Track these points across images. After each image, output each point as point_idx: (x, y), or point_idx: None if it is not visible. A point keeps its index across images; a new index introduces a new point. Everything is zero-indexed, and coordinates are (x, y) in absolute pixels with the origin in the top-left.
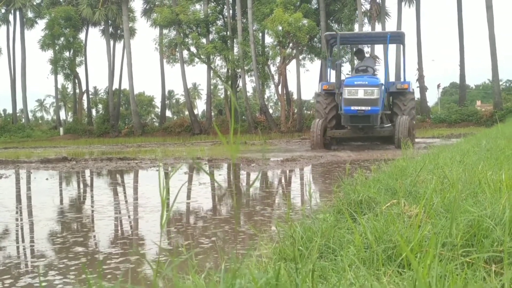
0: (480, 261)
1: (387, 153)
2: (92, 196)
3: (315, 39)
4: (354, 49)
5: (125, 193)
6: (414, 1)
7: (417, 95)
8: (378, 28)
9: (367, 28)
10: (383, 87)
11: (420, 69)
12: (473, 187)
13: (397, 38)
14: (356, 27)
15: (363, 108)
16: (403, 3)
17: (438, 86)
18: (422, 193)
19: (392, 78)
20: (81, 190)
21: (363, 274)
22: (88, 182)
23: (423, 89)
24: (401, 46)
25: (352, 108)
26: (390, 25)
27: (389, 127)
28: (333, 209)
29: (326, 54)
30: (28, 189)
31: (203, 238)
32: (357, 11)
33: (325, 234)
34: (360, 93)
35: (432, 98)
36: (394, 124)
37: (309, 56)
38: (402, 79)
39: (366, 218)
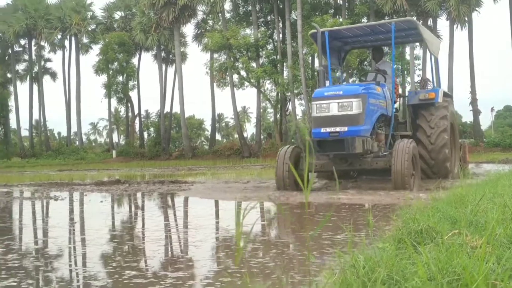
0: None
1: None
2: (143, 219)
3: (365, 62)
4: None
5: (175, 215)
6: (466, 24)
7: (469, 118)
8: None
9: (418, 52)
10: (374, 98)
11: (473, 92)
12: None
13: (410, 32)
14: (407, 50)
15: (337, 129)
16: (455, 26)
17: (492, 109)
18: (483, 223)
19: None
20: (134, 213)
21: None
22: (140, 204)
23: (476, 112)
24: (424, 44)
25: (323, 130)
26: (442, 48)
27: (386, 156)
28: (393, 239)
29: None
30: (82, 211)
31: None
32: (423, 44)
33: (388, 264)
34: (333, 108)
35: (486, 121)
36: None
37: (359, 79)
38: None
39: (428, 248)
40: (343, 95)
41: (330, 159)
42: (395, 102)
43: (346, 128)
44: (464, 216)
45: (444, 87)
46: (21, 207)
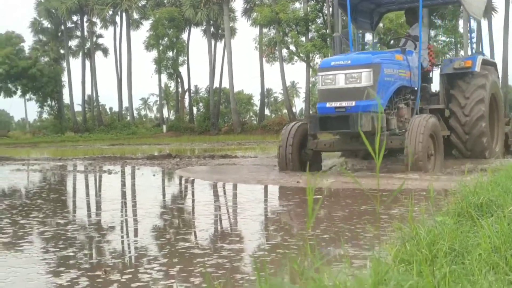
0: None
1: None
2: (192, 192)
3: None
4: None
5: (224, 189)
6: None
7: None
8: (484, 25)
9: (473, 25)
10: (392, 68)
11: None
12: None
13: None
14: (461, 23)
15: (343, 104)
16: None
17: None
18: None
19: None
20: (184, 186)
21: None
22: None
23: None
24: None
25: (328, 105)
26: (497, 21)
27: (401, 134)
28: (453, 212)
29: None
30: (134, 184)
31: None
32: (461, 6)
33: (449, 237)
34: (340, 80)
35: None
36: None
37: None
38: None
39: (490, 221)
40: (352, 65)
41: (340, 137)
42: (428, 71)
43: (353, 103)
44: None
45: (498, 59)
46: (75, 181)
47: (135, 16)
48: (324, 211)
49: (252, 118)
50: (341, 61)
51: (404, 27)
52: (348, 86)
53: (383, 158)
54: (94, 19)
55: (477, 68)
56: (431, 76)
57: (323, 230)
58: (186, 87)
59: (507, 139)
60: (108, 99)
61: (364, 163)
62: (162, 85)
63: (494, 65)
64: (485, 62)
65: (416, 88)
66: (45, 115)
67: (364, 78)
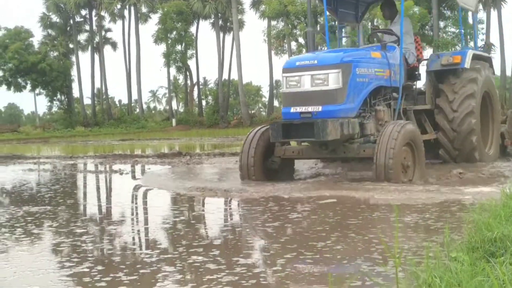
0: None
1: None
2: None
3: (427, 27)
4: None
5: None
6: None
7: None
8: (494, 15)
9: (482, 15)
10: (366, 67)
11: None
12: None
13: None
14: (470, 14)
15: (309, 109)
16: None
17: None
18: None
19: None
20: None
21: None
22: (207, 177)
23: None
24: None
25: (293, 110)
26: (507, 12)
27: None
28: (466, 247)
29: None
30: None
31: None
32: None
33: (463, 283)
34: (305, 82)
35: None
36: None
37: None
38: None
39: (503, 260)
40: (318, 66)
41: (309, 145)
42: (414, 68)
43: (320, 108)
44: None
45: (508, 55)
46: (85, 181)
47: (144, 9)
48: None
49: (261, 110)
50: (307, 60)
51: (413, 18)
52: (315, 89)
53: (362, 163)
54: (102, 13)
55: (467, 65)
56: (419, 72)
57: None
58: (195, 80)
59: (503, 139)
60: (117, 93)
61: (344, 169)
62: (171, 78)
63: (488, 60)
64: (477, 57)
65: (397, 87)
66: (54, 109)
67: (332, 80)
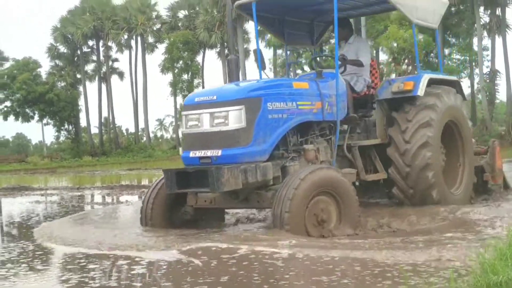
0: None
1: None
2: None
3: (431, 54)
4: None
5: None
6: None
7: None
8: (499, 42)
9: (486, 42)
10: (282, 101)
11: None
12: None
13: None
14: (475, 41)
15: (208, 153)
16: None
17: None
18: None
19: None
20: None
21: None
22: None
23: None
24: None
25: (192, 154)
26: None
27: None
28: None
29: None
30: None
31: None
32: (475, 25)
33: None
34: (205, 121)
35: None
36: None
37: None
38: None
39: None
40: (217, 102)
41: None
42: (367, 96)
43: (219, 152)
44: None
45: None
46: (93, 212)
47: (150, 40)
48: None
49: None
50: (206, 96)
51: (418, 46)
52: (214, 130)
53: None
54: (109, 44)
55: (420, 92)
56: (374, 101)
57: None
58: None
59: (482, 174)
60: (124, 122)
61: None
62: (178, 106)
63: (454, 84)
64: (438, 81)
65: (334, 120)
66: (62, 138)
67: (233, 118)
